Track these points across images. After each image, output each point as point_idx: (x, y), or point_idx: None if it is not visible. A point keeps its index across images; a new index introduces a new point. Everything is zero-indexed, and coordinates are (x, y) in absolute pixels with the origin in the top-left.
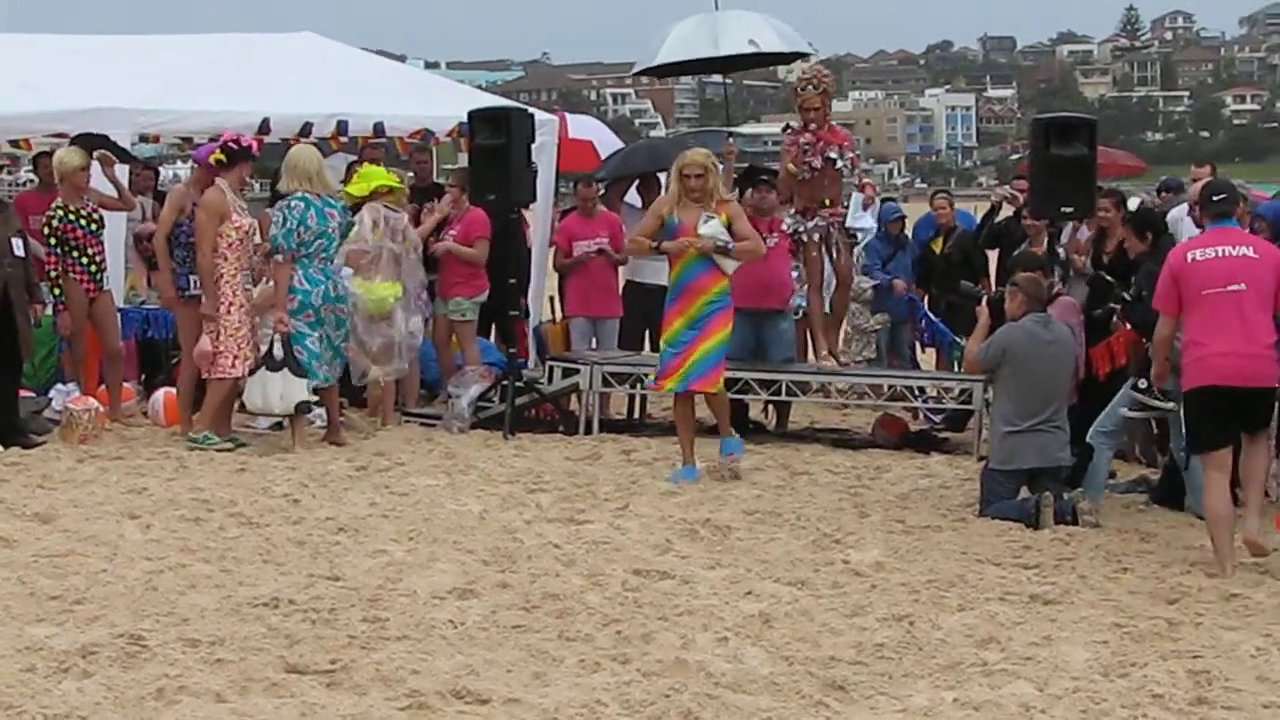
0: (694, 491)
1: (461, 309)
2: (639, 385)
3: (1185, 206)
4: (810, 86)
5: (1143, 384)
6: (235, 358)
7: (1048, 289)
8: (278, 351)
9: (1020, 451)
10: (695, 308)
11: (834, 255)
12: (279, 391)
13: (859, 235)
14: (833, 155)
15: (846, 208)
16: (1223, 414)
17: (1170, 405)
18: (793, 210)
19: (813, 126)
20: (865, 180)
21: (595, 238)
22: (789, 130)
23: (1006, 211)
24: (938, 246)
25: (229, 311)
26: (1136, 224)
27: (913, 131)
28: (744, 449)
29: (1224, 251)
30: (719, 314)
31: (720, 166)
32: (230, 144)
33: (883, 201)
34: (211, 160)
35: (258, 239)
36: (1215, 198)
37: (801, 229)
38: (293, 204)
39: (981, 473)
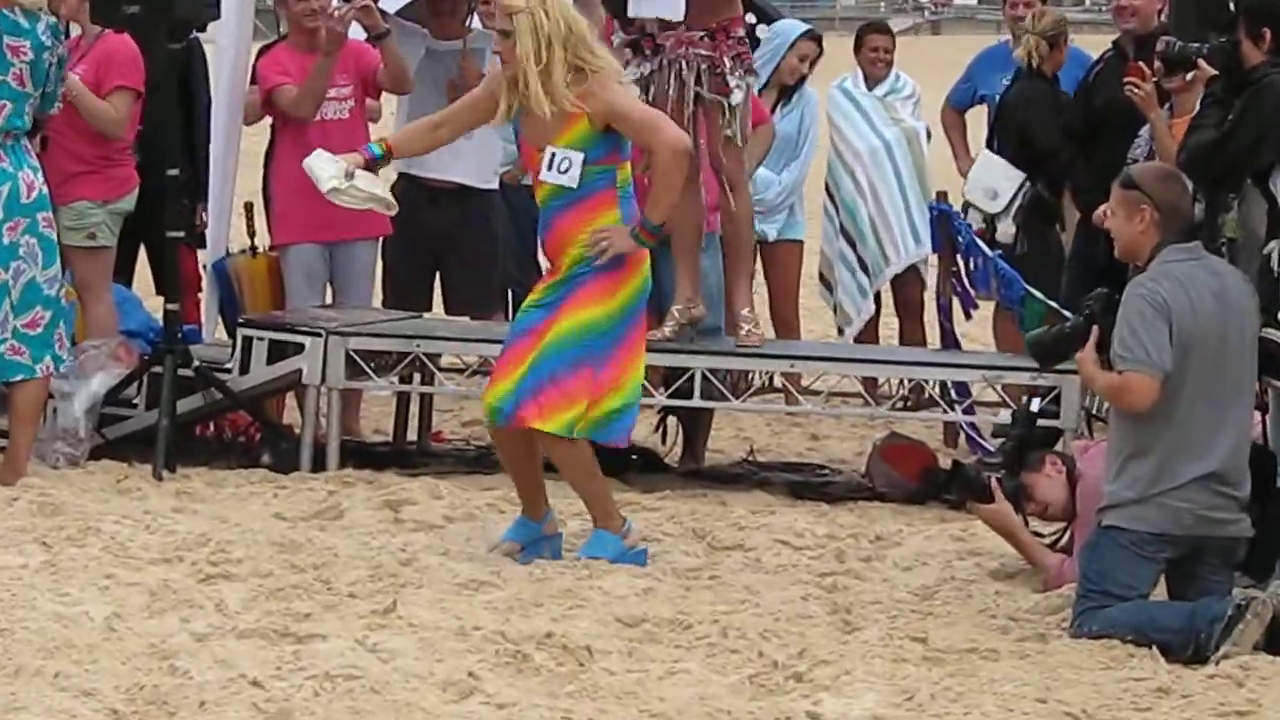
0: (518, 581)
1: (84, 223)
2: (420, 378)
3: None
4: None
5: None
6: None
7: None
8: None
9: (1170, 510)
10: (562, 266)
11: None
12: None
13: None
14: None
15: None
16: None
17: None
18: None
19: None
20: None
21: (331, 87)
22: None
23: None
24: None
25: None
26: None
27: None
28: (621, 551)
29: None
30: (590, 281)
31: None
32: None
33: None
34: None
35: None
36: None
37: None
38: None
39: (1081, 550)
